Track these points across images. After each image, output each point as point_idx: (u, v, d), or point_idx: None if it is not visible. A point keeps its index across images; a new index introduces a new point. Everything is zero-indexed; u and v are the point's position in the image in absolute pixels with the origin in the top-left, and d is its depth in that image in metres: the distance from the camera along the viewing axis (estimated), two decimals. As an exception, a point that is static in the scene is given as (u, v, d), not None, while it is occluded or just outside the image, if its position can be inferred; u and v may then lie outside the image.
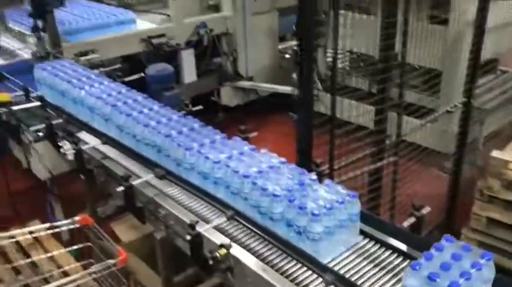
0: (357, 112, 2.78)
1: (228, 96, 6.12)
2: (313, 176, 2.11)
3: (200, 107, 3.31)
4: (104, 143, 2.85)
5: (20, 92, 3.67)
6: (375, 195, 2.93)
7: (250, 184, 2.09)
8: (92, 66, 4.21)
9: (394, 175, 3.00)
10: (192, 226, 2.04)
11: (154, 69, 3.31)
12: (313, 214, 1.85)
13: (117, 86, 3.17)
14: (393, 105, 2.84)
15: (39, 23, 4.40)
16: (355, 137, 2.87)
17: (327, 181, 2.08)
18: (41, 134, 3.17)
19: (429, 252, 1.57)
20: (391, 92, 2.80)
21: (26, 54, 4.60)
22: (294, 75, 5.77)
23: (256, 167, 2.17)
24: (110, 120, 2.82)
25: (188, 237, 2.04)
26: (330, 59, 5.92)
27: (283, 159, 2.28)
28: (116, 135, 2.80)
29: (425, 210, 2.12)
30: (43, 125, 3.10)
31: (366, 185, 2.93)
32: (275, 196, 1.98)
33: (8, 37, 5.13)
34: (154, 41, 5.18)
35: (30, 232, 3.00)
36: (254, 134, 2.78)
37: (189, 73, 5.66)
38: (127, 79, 3.70)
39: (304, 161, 2.41)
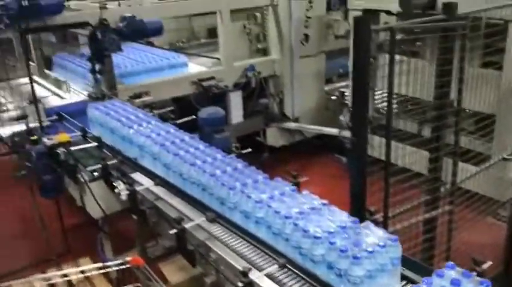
0: (409, 157, 2.73)
1: (273, 137, 6.15)
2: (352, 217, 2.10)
3: (249, 149, 3.35)
4: (157, 184, 2.91)
5: (78, 133, 3.85)
6: (429, 244, 2.83)
7: (291, 225, 2.09)
8: (146, 107, 4.37)
9: (450, 224, 2.90)
10: (244, 274, 2.03)
11: (207, 112, 3.39)
12: (354, 257, 1.83)
13: (166, 127, 3.27)
14: (448, 152, 2.77)
15: (97, 66, 4.64)
16: (406, 180, 2.81)
17: (368, 224, 2.05)
18: (96, 173, 3.28)
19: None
20: (445, 138, 2.74)
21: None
22: (341, 117, 5.81)
23: (298, 208, 2.17)
24: (158, 159, 2.91)
25: (240, 284, 2.03)
26: (377, 102, 5.92)
27: (324, 201, 2.26)
28: (164, 174, 2.89)
29: (487, 265, 2.03)
30: (99, 166, 3.21)
31: (421, 234, 2.84)
32: (316, 238, 1.98)
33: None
34: (205, 83, 5.33)
35: (82, 271, 3.06)
36: (305, 179, 2.77)
37: (237, 114, 5.75)
38: (179, 121, 3.80)
39: (358, 208, 2.37)
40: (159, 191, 2.92)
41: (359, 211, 2.34)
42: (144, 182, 3.06)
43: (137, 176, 3.18)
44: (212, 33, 7.09)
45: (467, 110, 4.46)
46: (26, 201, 3.99)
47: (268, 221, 2.21)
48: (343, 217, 2.12)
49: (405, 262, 2.00)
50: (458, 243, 3.17)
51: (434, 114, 2.66)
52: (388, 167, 2.33)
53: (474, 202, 3.28)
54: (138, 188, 2.91)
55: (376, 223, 2.32)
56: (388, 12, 5.21)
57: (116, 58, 4.87)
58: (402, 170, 2.63)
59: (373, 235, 1.96)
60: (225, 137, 3.38)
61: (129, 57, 5.41)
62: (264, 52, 6.07)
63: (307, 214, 2.14)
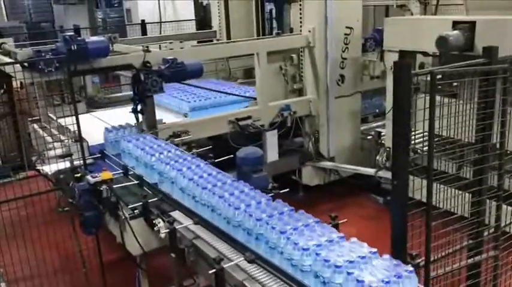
0: (451, 199, 2.68)
1: (308, 176, 6.15)
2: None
3: (287, 189, 3.38)
4: (196, 223, 2.95)
5: (119, 170, 3.97)
6: (473, 291, 2.74)
7: (343, 274, 2.07)
8: (184, 145, 4.48)
9: (494, 270, 2.80)
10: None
11: (244, 152, 3.44)
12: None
13: (208, 168, 3.35)
14: (492, 195, 2.71)
15: (139, 106, 4.82)
16: (448, 224, 2.75)
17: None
18: (136, 211, 3.36)
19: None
20: (488, 180, 2.69)
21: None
22: (378, 157, 5.76)
23: (348, 257, 2.15)
24: (200, 201, 2.96)
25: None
26: (414, 142, 5.86)
27: (374, 249, 2.23)
28: (205, 214, 2.94)
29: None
30: (140, 203, 3.29)
31: (464, 280, 2.75)
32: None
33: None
34: (241, 122, 5.43)
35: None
36: (344, 220, 2.76)
37: (272, 153, 5.79)
38: (217, 160, 3.87)
39: (399, 251, 2.33)
40: (199, 230, 2.95)
41: (400, 255, 2.30)
42: (183, 220, 3.11)
43: (176, 214, 3.24)
44: (248, 73, 7.27)
45: (509, 152, 4.38)
46: (67, 236, 4.10)
47: (316, 270, 2.19)
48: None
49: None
50: (503, 290, 3.05)
51: (476, 157, 2.63)
52: (430, 210, 2.30)
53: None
54: (177, 226, 2.95)
55: (418, 267, 2.28)
56: (425, 53, 5.25)
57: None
58: (444, 213, 2.59)
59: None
60: (263, 176, 3.41)
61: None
62: (300, 92, 6.16)
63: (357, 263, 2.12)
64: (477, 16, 4.56)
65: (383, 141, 5.95)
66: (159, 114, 5.01)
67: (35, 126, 5.86)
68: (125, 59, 4.70)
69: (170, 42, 5.14)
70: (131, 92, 7.12)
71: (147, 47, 4.84)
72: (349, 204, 6.04)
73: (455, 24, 4.54)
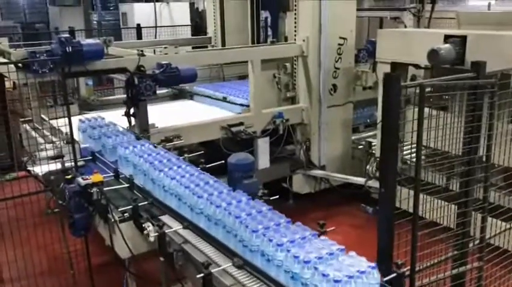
0: (437, 210, 2.72)
1: (299, 184, 6.18)
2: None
3: (277, 196, 3.40)
4: (185, 227, 2.97)
5: (110, 173, 3.97)
6: (457, 302, 2.78)
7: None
8: (176, 151, 4.50)
9: (479, 281, 2.85)
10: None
11: (236, 157, 3.47)
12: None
13: (194, 170, 3.39)
14: (477, 207, 2.76)
15: (132, 110, 4.83)
16: (434, 234, 2.79)
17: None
18: (126, 214, 3.36)
19: None
20: (474, 192, 2.74)
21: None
22: (368, 167, 5.82)
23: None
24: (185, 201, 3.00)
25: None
26: (405, 153, 5.91)
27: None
28: (190, 216, 2.98)
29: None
30: (129, 207, 3.30)
31: (449, 291, 2.79)
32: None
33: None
34: (234, 128, 5.46)
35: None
36: (332, 229, 2.78)
37: (263, 160, 5.83)
38: (208, 166, 3.88)
39: (385, 260, 2.36)
40: (188, 234, 2.97)
41: (386, 263, 2.34)
42: (172, 224, 3.12)
43: (166, 218, 3.25)
44: (242, 79, 7.31)
45: (496, 165, 4.44)
46: (56, 238, 4.10)
47: (288, 267, 2.24)
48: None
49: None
50: (488, 301, 3.09)
51: (463, 169, 2.68)
52: (416, 219, 2.34)
53: (504, 259, 3.21)
54: (167, 230, 2.97)
55: (403, 276, 2.31)
56: (416, 66, 5.33)
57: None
58: (430, 223, 2.63)
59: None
60: (253, 182, 3.44)
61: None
62: (292, 101, 6.21)
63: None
64: (468, 31, 4.64)
65: (373, 151, 6.01)
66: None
67: (27, 127, 5.84)
68: (119, 62, 4.72)
69: (165, 47, 5.17)
70: (123, 96, 7.20)
71: (142, 51, 4.87)
72: (338, 213, 6.08)
73: (447, 38, 4.62)
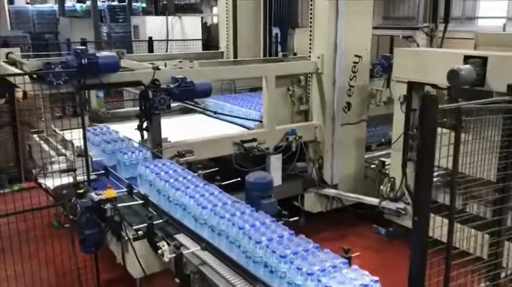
0: (468, 239, 2.61)
1: (311, 203, 6.07)
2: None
3: (296, 218, 3.31)
4: (204, 249, 2.87)
5: (124, 189, 3.88)
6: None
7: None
8: (187, 165, 4.41)
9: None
10: None
11: (254, 176, 3.37)
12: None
13: (211, 188, 3.29)
14: (510, 237, 2.66)
15: (145, 124, 4.76)
16: (465, 264, 2.68)
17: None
18: (140, 232, 3.27)
19: None
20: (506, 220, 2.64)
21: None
22: (382, 187, 5.71)
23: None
24: (206, 222, 2.91)
25: None
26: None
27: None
28: (210, 238, 2.89)
29: None
30: (144, 225, 3.20)
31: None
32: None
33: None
34: (246, 145, 5.38)
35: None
36: (357, 254, 2.68)
37: (275, 177, 5.69)
38: (224, 183, 3.80)
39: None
40: (206, 256, 2.87)
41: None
42: (189, 244, 3.03)
43: (181, 237, 3.16)
44: (253, 91, 7.25)
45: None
46: (65, 252, 3.99)
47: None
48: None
49: None
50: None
51: (496, 197, 2.58)
52: (450, 249, 2.23)
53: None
54: (184, 251, 2.86)
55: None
56: (434, 86, 5.25)
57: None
58: (461, 253, 2.52)
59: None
60: (272, 203, 3.34)
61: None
62: (306, 114, 6.13)
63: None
64: (489, 52, 4.57)
65: (387, 171, 5.91)
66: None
67: (37, 138, 5.77)
68: (134, 75, 4.67)
69: (180, 61, 5.12)
70: (135, 108, 7.14)
71: (157, 66, 4.81)
72: (350, 233, 5.95)
73: (467, 59, 4.54)
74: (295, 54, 7.44)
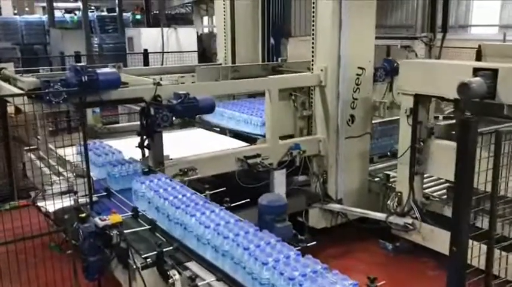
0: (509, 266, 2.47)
1: (315, 218, 5.92)
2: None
3: (314, 243, 3.18)
4: (219, 279, 2.71)
5: (127, 211, 3.71)
6: None
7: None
8: (196, 187, 4.25)
9: None
10: None
11: (267, 199, 3.22)
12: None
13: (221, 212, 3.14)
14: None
15: (146, 141, 4.59)
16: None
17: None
18: (149, 260, 3.09)
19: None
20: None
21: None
22: (389, 202, 5.58)
23: None
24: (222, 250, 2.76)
25: None
26: (428, 187, 5.69)
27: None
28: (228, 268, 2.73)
29: None
30: (154, 253, 3.03)
31: None
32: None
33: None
34: (250, 161, 5.23)
35: None
36: (382, 283, 2.54)
37: (279, 193, 5.57)
38: (233, 205, 3.64)
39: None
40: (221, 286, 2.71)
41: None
42: (200, 273, 2.87)
43: (193, 265, 3.00)
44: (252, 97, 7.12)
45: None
46: (67, 279, 3.80)
47: None
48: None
49: None
50: None
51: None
52: (490, 279, 2.10)
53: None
54: (199, 283, 2.70)
55: None
56: (442, 98, 5.16)
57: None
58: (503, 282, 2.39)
59: None
60: (287, 226, 3.20)
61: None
62: (309, 119, 6.01)
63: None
64: (499, 64, 4.48)
65: (392, 185, 5.79)
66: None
67: (32, 156, 5.57)
68: (136, 92, 4.51)
69: (182, 76, 4.96)
70: (132, 123, 6.96)
71: (158, 81, 4.65)
72: (356, 249, 5.81)
73: (476, 71, 4.45)
74: (285, 61, 7.49)
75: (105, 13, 19.54)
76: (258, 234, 2.84)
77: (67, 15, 19.38)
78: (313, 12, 5.68)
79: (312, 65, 5.82)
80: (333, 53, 5.60)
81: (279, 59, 7.43)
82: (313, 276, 2.37)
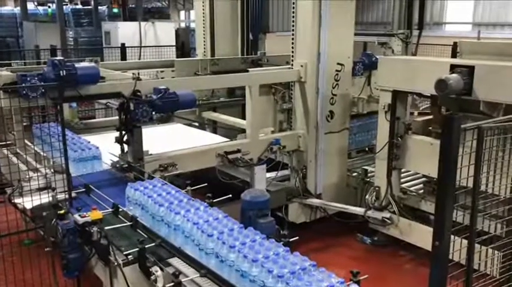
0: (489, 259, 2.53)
1: (295, 213, 5.96)
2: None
3: (296, 237, 3.19)
4: (203, 275, 2.70)
5: (107, 207, 3.66)
6: None
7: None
8: (179, 183, 4.21)
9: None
10: None
11: (250, 194, 3.21)
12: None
13: (217, 213, 3.12)
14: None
15: (126, 136, 4.54)
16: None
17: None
18: (130, 257, 3.06)
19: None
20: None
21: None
22: (367, 197, 5.65)
23: None
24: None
25: None
26: (404, 182, 5.77)
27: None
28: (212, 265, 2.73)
29: None
30: (136, 249, 3.00)
31: None
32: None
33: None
34: (230, 156, 5.23)
35: None
36: (365, 277, 2.57)
37: (261, 188, 5.58)
38: (215, 200, 3.63)
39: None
40: (204, 282, 2.70)
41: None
42: (183, 269, 2.85)
43: (175, 261, 2.98)
44: (231, 93, 7.12)
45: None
46: (46, 277, 3.74)
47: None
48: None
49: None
50: None
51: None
52: (471, 273, 2.15)
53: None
54: (183, 279, 2.69)
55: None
56: (419, 95, 5.25)
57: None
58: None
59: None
60: (270, 222, 3.19)
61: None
62: (289, 112, 6.03)
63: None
64: (476, 61, 4.58)
65: (370, 180, 5.87)
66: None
67: (6, 152, 5.42)
68: (114, 86, 4.44)
69: (161, 71, 4.92)
70: (109, 118, 6.87)
71: (137, 74, 4.60)
72: (335, 244, 5.87)
73: (453, 68, 4.54)
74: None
75: (79, 6, 19.17)
76: (243, 231, 2.81)
77: (40, 8, 18.92)
78: (293, 9, 5.69)
79: (292, 60, 5.84)
80: (312, 49, 5.63)
81: (258, 53, 7.47)
82: (301, 273, 2.40)
